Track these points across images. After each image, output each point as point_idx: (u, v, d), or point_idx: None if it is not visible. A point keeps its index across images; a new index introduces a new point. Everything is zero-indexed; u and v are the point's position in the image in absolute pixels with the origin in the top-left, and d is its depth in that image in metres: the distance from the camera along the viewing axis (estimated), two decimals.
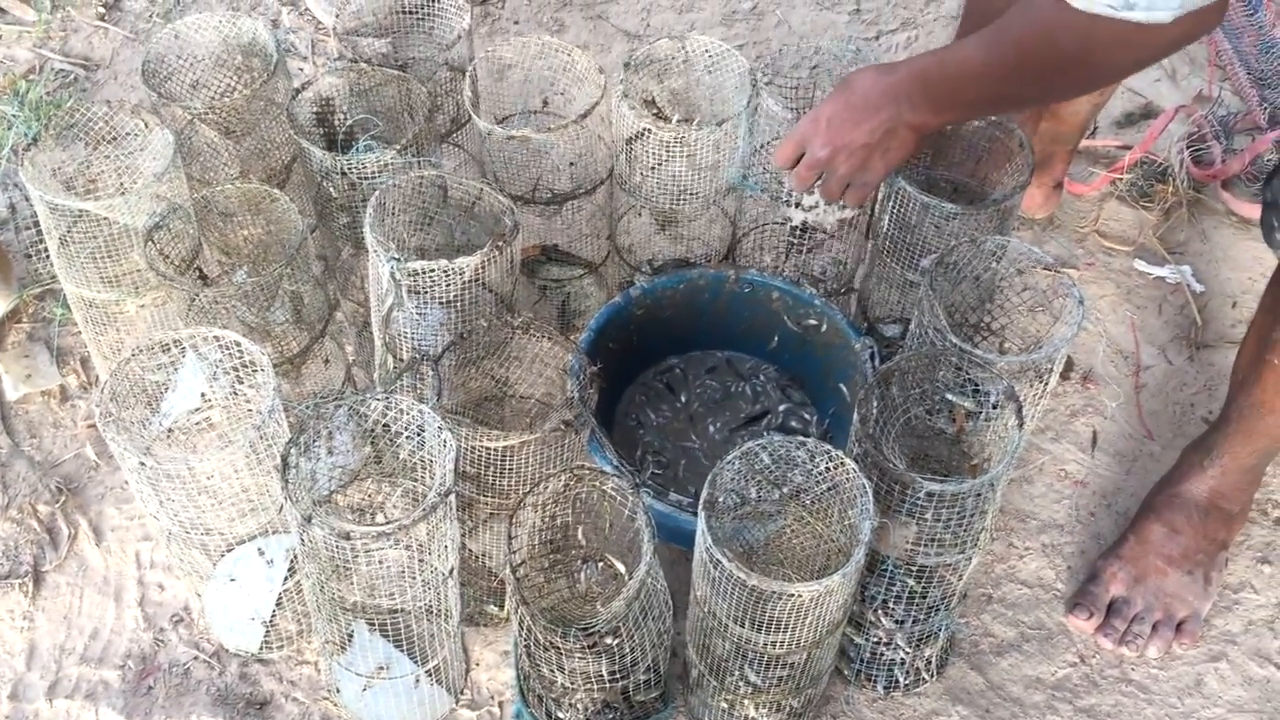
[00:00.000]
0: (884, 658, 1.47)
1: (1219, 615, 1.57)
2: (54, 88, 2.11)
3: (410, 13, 1.69)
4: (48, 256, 1.78)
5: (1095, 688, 1.52)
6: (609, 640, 1.25)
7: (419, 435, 1.27)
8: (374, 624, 1.37)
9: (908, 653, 1.47)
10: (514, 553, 1.23)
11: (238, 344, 1.31)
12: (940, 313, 1.34)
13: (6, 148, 1.96)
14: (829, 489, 1.29)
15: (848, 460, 1.25)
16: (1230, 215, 1.96)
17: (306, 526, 1.18)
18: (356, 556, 1.21)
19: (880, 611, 1.42)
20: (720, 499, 1.27)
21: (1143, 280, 1.90)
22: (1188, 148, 1.98)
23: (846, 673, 1.50)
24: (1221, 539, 1.58)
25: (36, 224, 1.80)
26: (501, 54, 1.63)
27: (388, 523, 1.19)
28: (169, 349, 1.31)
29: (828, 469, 1.27)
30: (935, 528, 1.28)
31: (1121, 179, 1.98)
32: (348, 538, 1.17)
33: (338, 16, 1.65)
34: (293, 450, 1.22)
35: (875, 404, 1.29)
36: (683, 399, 1.71)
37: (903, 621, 1.43)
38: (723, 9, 2.27)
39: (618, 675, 1.27)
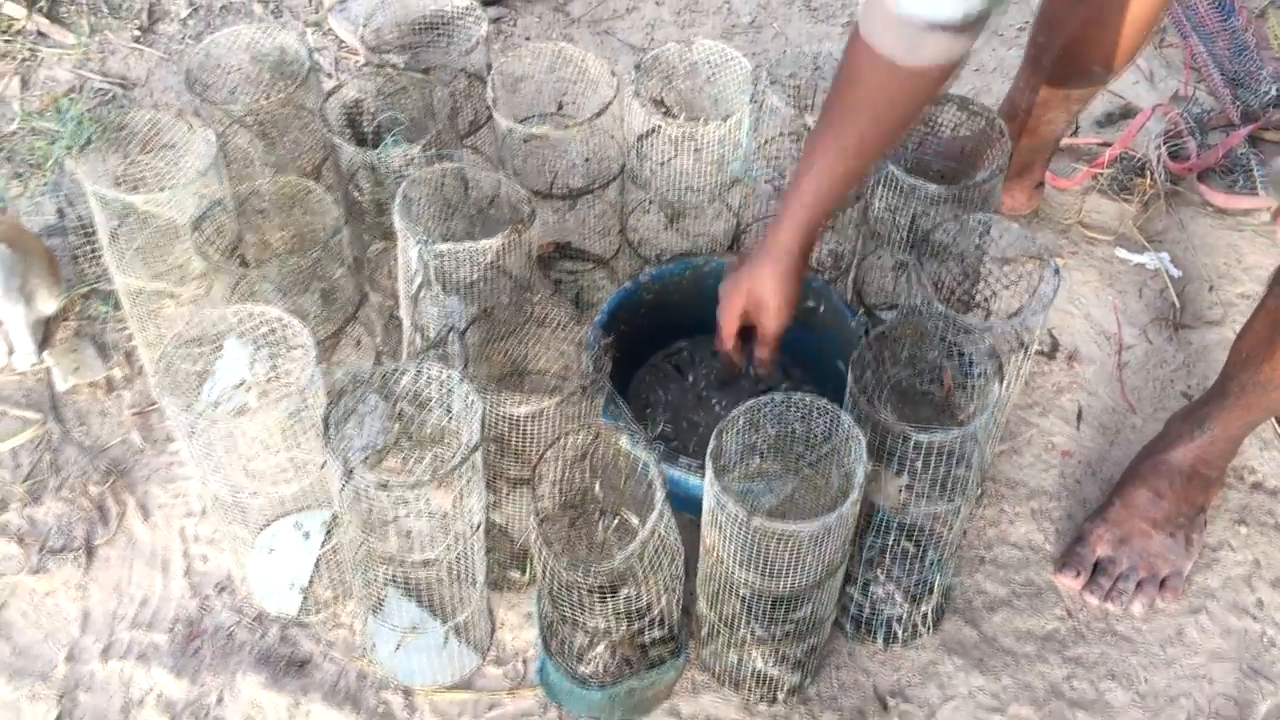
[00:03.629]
0: (883, 614, 1.57)
1: (1199, 572, 1.66)
2: (94, 105, 2.23)
3: (430, 28, 1.81)
4: (93, 259, 1.91)
5: (1082, 639, 1.61)
6: (626, 591, 1.35)
7: (447, 400, 1.37)
8: (406, 583, 1.47)
9: (905, 609, 1.56)
10: (538, 499, 1.33)
11: (279, 319, 1.42)
12: (926, 281, 1.44)
13: (53, 159, 2.08)
14: (829, 451, 1.40)
15: (843, 413, 1.35)
16: (1206, 205, 2.07)
17: (348, 479, 1.29)
18: (396, 506, 1.31)
19: (878, 570, 1.52)
20: (728, 446, 1.37)
21: (1124, 267, 2.00)
22: (1165, 144, 2.09)
23: (848, 628, 1.59)
24: (1201, 503, 1.67)
25: (83, 229, 1.92)
26: (519, 58, 1.75)
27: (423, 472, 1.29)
28: (215, 325, 1.42)
29: (825, 422, 1.37)
30: (924, 480, 1.38)
31: (1103, 174, 2.09)
32: (386, 487, 1.27)
33: (363, 28, 1.77)
34: (333, 412, 1.33)
35: (869, 363, 1.40)
36: (690, 379, 1.82)
37: (900, 579, 1.53)
38: (723, 23, 2.40)
39: (633, 620, 1.37)
